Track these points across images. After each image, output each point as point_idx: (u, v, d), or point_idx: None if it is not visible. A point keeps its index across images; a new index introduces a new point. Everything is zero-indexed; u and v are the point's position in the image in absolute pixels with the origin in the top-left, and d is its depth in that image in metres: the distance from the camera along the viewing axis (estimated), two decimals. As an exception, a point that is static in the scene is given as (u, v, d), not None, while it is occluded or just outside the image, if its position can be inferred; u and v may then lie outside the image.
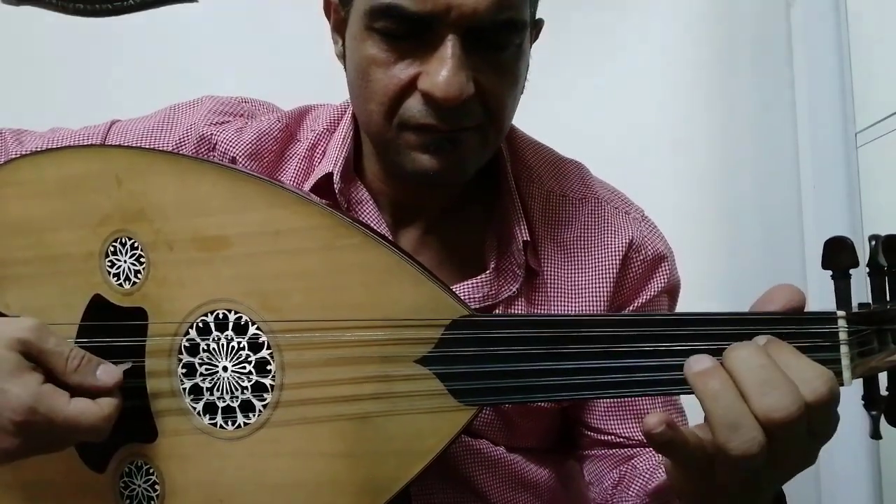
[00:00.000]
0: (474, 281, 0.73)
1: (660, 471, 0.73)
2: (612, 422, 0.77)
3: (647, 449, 0.76)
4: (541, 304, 0.75)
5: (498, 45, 0.64)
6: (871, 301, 0.54)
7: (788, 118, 1.41)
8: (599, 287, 0.75)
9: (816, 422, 0.48)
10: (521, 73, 0.68)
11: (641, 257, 0.77)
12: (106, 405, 0.56)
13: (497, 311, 0.73)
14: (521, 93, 0.71)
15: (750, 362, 0.48)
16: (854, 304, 0.53)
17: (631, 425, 0.77)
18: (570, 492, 0.82)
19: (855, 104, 1.34)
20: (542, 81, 1.41)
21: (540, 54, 1.40)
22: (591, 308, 0.75)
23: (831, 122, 1.35)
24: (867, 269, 0.53)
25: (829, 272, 0.53)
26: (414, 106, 0.63)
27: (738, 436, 0.47)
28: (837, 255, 0.53)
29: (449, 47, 0.61)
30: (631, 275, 0.77)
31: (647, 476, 0.74)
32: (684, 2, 1.43)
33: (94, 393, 0.57)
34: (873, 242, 0.53)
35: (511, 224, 0.74)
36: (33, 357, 0.55)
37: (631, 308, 0.77)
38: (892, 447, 1.26)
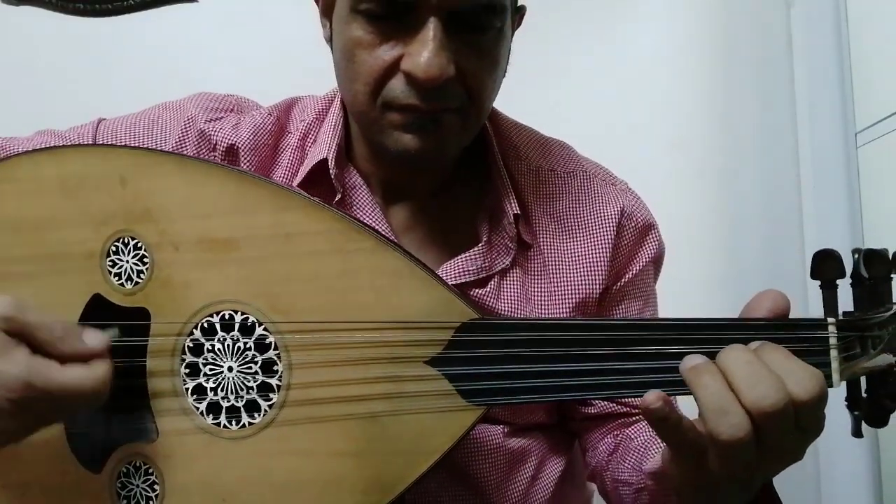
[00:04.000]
0: (468, 254, 0.74)
1: (653, 447, 0.75)
2: None
3: (641, 419, 0.79)
4: (538, 275, 0.77)
5: (478, 28, 0.65)
6: (853, 310, 0.58)
7: (788, 118, 1.42)
8: (597, 254, 0.78)
9: (805, 417, 0.51)
10: (501, 55, 0.69)
11: (633, 225, 0.80)
12: (100, 368, 0.55)
13: (492, 282, 0.75)
14: (503, 76, 0.72)
15: (739, 359, 0.52)
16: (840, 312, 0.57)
17: None
18: (569, 480, 0.83)
19: (855, 104, 1.35)
20: (542, 81, 1.42)
21: (540, 53, 1.41)
22: (591, 273, 0.78)
23: (831, 122, 1.35)
24: (850, 281, 0.57)
25: (818, 282, 0.57)
26: (397, 87, 0.65)
27: (726, 420, 0.50)
28: (823, 266, 0.56)
29: (431, 29, 0.63)
30: (625, 242, 0.79)
31: (641, 451, 0.75)
32: (684, 2, 1.43)
33: (83, 359, 0.55)
34: (856, 256, 0.57)
35: (501, 199, 0.76)
36: (16, 333, 0.53)
37: (626, 278, 0.80)
38: (892, 448, 1.26)
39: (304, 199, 0.62)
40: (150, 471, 0.61)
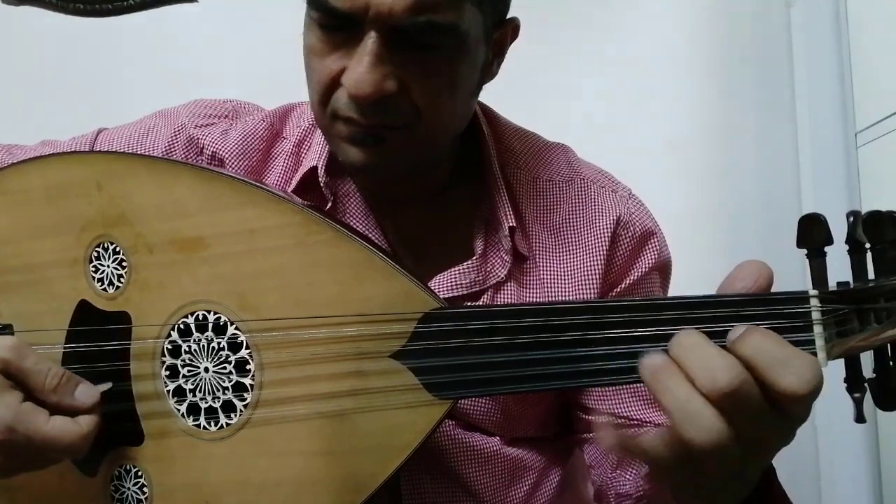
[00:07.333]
0: (461, 267, 0.73)
1: None
2: (607, 402, 0.76)
3: (644, 428, 0.76)
4: (532, 288, 0.76)
5: (424, 46, 0.63)
6: (851, 279, 0.52)
7: (788, 118, 1.42)
8: (590, 267, 0.76)
9: (795, 407, 0.47)
10: (458, 75, 0.66)
11: (630, 234, 0.77)
12: (85, 423, 0.56)
13: (486, 296, 0.74)
14: (472, 95, 0.71)
15: (686, 345, 0.48)
16: (833, 283, 0.52)
17: (628, 404, 0.76)
18: (568, 489, 0.81)
19: (855, 104, 1.34)
20: (542, 82, 1.42)
21: (539, 54, 1.41)
22: (584, 289, 0.75)
23: (831, 122, 1.34)
24: (847, 247, 0.52)
25: (804, 251, 0.51)
26: (341, 98, 0.64)
27: (695, 424, 0.47)
28: (810, 232, 0.51)
29: (368, 44, 0.61)
30: (620, 252, 0.77)
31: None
32: (684, 2, 1.43)
33: (73, 412, 0.57)
34: (851, 219, 0.51)
35: (497, 210, 0.75)
36: (12, 375, 0.56)
37: (623, 286, 0.77)
38: (892, 448, 1.26)
39: (265, 192, 0.61)
40: (140, 473, 0.62)
